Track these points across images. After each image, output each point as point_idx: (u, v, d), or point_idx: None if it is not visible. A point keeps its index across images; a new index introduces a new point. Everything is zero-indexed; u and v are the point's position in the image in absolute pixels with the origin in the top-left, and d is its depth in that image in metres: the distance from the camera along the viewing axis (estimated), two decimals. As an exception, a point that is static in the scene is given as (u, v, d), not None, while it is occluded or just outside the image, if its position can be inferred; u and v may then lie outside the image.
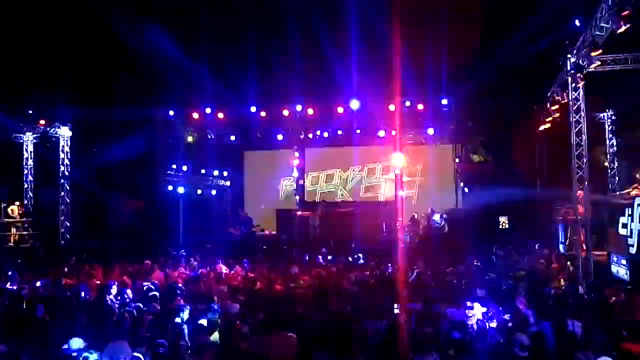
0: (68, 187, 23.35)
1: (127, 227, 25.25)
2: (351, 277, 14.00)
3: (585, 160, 14.85)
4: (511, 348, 6.76)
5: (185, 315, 9.02)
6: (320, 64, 22.05)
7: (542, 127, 20.81)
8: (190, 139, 25.63)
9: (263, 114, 24.72)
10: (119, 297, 11.12)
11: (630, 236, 12.74)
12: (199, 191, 28.07)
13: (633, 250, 12.54)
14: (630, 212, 12.83)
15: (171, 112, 24.85)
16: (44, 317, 9.61)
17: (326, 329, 8.09)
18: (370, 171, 27.91)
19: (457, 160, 25.54)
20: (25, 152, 23.40)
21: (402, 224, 22.95)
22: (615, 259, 13.99)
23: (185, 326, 8.51)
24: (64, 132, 23.11)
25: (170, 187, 25.47)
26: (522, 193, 21.28)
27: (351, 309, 9.83)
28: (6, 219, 21.92)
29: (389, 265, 15.81)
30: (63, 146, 23.19)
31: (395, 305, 9.57)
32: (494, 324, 8.64)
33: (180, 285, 12.61)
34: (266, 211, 27.22)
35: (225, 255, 19.27)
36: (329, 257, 18.43)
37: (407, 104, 22.63)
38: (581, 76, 14.44)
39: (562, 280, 14.17)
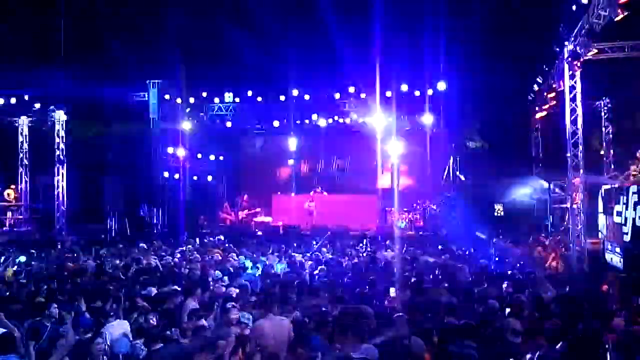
0: (64, 171, 23.29)
1: (122, 212, 25.28)
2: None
3: (580, 147, 14.90)
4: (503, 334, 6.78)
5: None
6: (318, 49, 21.99)
7: (538, 115, 20.84)
8: (186, 124, 25.51)
9: (260, 99, 24.65)
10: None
11: (625, 224, 12.79)
12: (195, 177, 28.03)
13: (627, 238, 12.59)
14: (625, 201, 12.88)
15: (167, 96, 24.72)
16: None
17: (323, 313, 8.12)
18: (366, 158, 27.85)
19: (453, 146, 25.51)
20: (20, 136, 23.34)
21: (398, 211, 23.21)
22: (609, 246, 14.05)
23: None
24: (60, 116, 23.02)
25: (166, 173, 25.43)
26: (517, 180, 21.36)
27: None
28: (2, 203, 21.91)
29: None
30: (58, 130, 23.11)
31: (392, 290, 9.61)
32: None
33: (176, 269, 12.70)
34: (262, 197, 27.31)
35: (221, 241, 19.37)
36: (325, 242, 18.48)
37: (404, 89, 22.58)
38: (578, 64, 14.43)
39: (557, 263, 14.31)
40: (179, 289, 9.86)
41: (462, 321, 7.15)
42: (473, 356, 6.28)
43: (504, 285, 9.99)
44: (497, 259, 15.55)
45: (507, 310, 8.10)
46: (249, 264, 13.90)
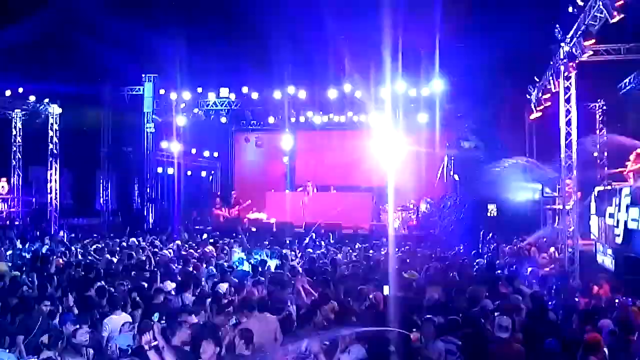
0: (57, 165, 23.18)
1: (115, 206, 25.24)
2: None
3: (574, 149, 14.90)
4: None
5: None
6: (314, 46, 21.98)
7: (533, 116, 20.85)
8: (181, 118, 25.39)
9: (255, 95, 24.52)
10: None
11: (617, 226, 12.84)
12: (189, 172, 27.97)
13: (619, 240, 12.64)
14: (617, 203, 12.92)
15: (162, 91, 24.63)
16: None
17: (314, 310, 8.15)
18: (361, 156, 27.83)
19: (447, 146, 25.48)
20: (14, 129, 23.23)
21: (392, 210, 23.19)
22: (601, 248, 14.10)
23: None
24: (54, 110, 22.90)
25: (160, 168, 25.36)
26: (511, 181, 21.37)
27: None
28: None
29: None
30: (52, 123, 22.99)
31: (385, 288, 9.62)
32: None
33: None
34: (255, 193, 27.21)
35: (212, 237, 19.35)
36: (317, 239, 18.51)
37: (400, 89, 22.54)
38: (573, 65, 14.43)
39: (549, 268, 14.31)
40: (172, 284, 9.86)
41: (448, 317, 7.30)
42: (451, 351, 6.56)
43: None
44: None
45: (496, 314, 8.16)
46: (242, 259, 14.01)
